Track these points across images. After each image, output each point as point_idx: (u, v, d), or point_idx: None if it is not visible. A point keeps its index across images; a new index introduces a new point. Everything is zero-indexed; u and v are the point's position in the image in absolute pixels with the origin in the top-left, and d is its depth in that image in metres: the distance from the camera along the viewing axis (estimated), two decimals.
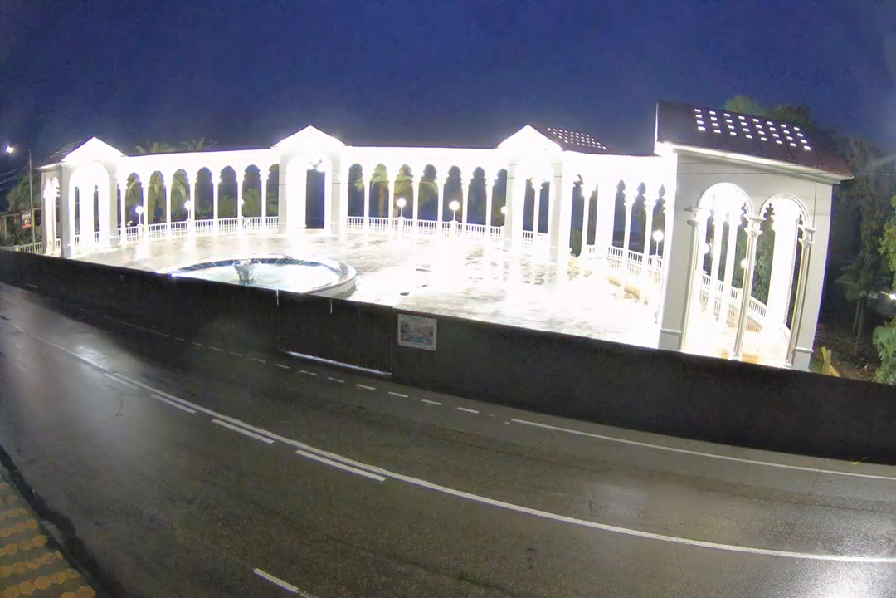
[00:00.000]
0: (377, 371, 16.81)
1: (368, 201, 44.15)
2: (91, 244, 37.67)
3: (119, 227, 39.24)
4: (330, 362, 17.50)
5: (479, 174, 40.04)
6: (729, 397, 13.73)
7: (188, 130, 56.64)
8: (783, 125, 21.33)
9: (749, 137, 20.25)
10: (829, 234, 19.12)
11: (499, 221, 39.99)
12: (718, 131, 20.54)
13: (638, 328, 22.95)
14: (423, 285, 27.55)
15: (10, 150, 44.17)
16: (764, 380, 13.90)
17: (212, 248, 37.20)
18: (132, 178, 40.91)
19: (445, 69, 74.70)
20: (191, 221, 41.82)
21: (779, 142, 19.91)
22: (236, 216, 43.20)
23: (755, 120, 21.75)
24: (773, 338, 22.51)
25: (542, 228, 37.38)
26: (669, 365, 14.66)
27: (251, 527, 9.48)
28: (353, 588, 8.19)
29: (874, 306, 37.97)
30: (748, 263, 20.80)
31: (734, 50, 56.90)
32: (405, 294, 25.55)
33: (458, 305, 24.87)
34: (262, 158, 42.31)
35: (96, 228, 38.56)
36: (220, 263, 30.81)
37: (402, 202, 42.91)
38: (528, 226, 39.24)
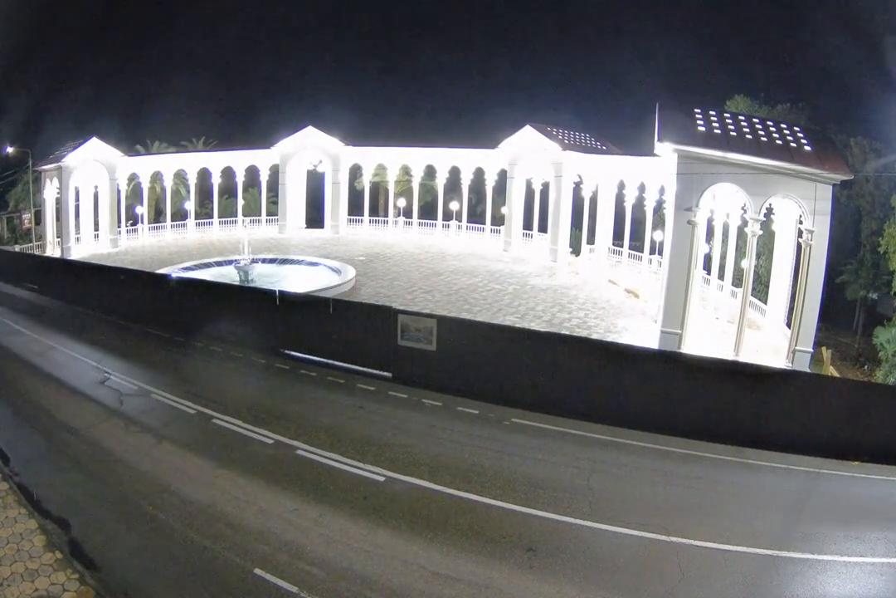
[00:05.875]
0: (377, 371, 16.80)
1: (368, 201, 44.14)
2: (91, 244, 37.67)
3: (119, 227, 39.23)
4: (330, 362, 17.50)
5: (479, 174, 40.01)
6: (729, 397, 13.72)
7: (188, 130, 56.46)
8: (783, 125, 21.36)
9: (749, 137, 20.26)
10: (829, 234, 19.13)
11: (499, 221, 39.98)
12: (718, 131, 20.55)
13: (638, 328, 22.96)
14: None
15: (10, 150, 44.14)
16: (764, 380, 13.89)
17: (211, 247, 37.18)
18: (132, 178, 40.90)
19: (445, 69, 74.61)
20: (191, 221, 41.82)
21: (779, 142, 19.92)
22: (236, 216, 43.20)
23: (755, 120, 21.78)
24: (773, 338, 22.52)
25: (542, 229, 37.36)
26: (669, 365, 14.65)
27: (251, 527, 9.48)
28: (353, 588, 8.19)
29: (875, 306, 37.96)
30: (748, 263, 20.81)
31: (734, 50, 56.81)
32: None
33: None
34: (262, 158, 42.29)
35: (96, 228, 38.53)
36: (219, 263, 30.82)
37: (402, 202, 42.91)
38: (528, 226, 39.23)
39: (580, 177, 34.43)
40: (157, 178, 41.55)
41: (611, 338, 21.26)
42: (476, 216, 43.78)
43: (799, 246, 20.70)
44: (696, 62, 56.15)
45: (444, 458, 12.02)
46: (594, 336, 21.33)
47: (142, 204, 41.25)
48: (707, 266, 28.69)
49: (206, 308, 20.84)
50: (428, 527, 9.62)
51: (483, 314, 23.65)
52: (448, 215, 40.95)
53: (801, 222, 19.77)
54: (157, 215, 49.06)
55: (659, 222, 29.68)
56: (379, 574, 8.47)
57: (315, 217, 44.69)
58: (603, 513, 10.19)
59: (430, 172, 42.09)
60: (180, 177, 42.86)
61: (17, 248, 39.47)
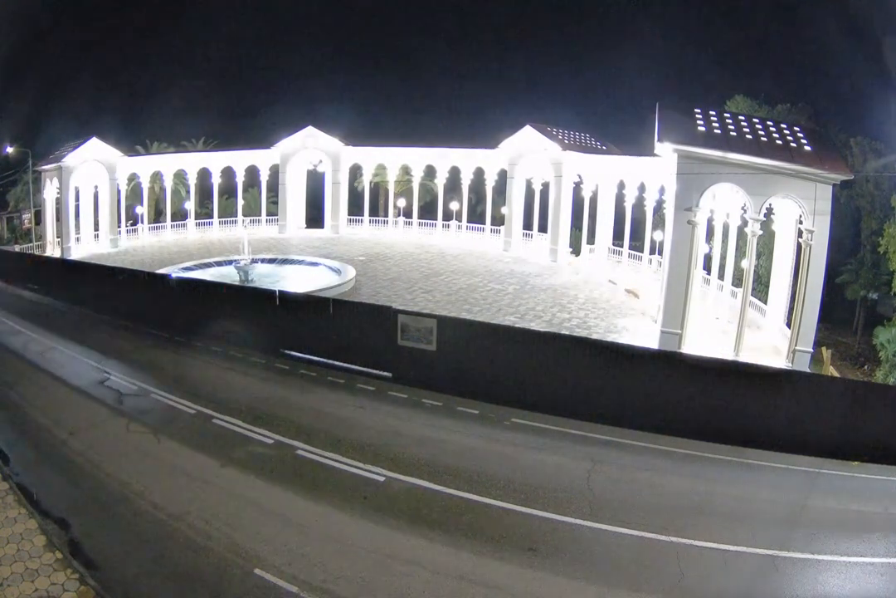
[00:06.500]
0: (377, 371, 16.79)
1: (368, 201, 44.15)
2: (91, 244, 37.66)
3: (119, 227, 39.23)
4: (330, 362, 17.49)
5: (479, 174, 40.01)
6: (729, 397, 13.72)
7: (188, 130, 56.39)
8: (783, 125, 21.36)
9: (749, 137, 20.27)
10: (829, 234, 19.13)
11: (499, 221, 39.99)
12: (718, 131, 20.56)
13: (638, 328, 22.96)
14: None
15: (10, 150, 44.10)
16: (764, 380, 13.90)
17: (211, 247, 37.19)
18: (132, 178, 40.89)
19: (446, 68, 74.64)
20: (191, 221, 41.82)
21: (779, 142, 19.93)
22: (236, 216, 43.20)
23: (755, 120, 21.79)
24: (773, 338, 22.51)
25: (542, 228, 37.36)
26: (669, 365, 14.65)
27: (251, 526, 9.48)
28: (353, 588, 8.19)
29: (875, 306, 37.94)
30: (748, 263, 20.81)
31: (734, 50, 56.81)
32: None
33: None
34: (262, 158, 42.28)
35: (96, 228, 38.52)
36: (220, 263, 30.82)
37: (402, 202, 42.91)
38: (528, 226, 39.24)
39: (580, 177, 34.45)
40: (157, 178, 41.54)
41: (611, 338, 21.25)
42: (476, 216, 43.77)
43: (799, 246, 20.69)
44: (696, 62, 56.11)
45: (445, 458, 12.02)
46: (594, 336, 21.32)
47: (142, 204, 41.25)
48: (707, 266, 28.70)
49: (206, 308, 20.84)
50: (428, 527, 9.62)
51: (483, 314, 23.65)
52: (448, 215, 40.95)
53: (801, 222, 19.76)
54: (157, 215, 49.05)
55: (659, 222, 29.69)
56: (379, 574, 8.48)
57: (315, 217, 44.67)
58: (603, 513, 10.20)
59: (430, 172, 42.07)
60: (180, 177, 42.84)
61: (17, 248, 39.48)
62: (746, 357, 19.41)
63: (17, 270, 30.70)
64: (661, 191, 27.54)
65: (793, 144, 19.77)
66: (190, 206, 41.83)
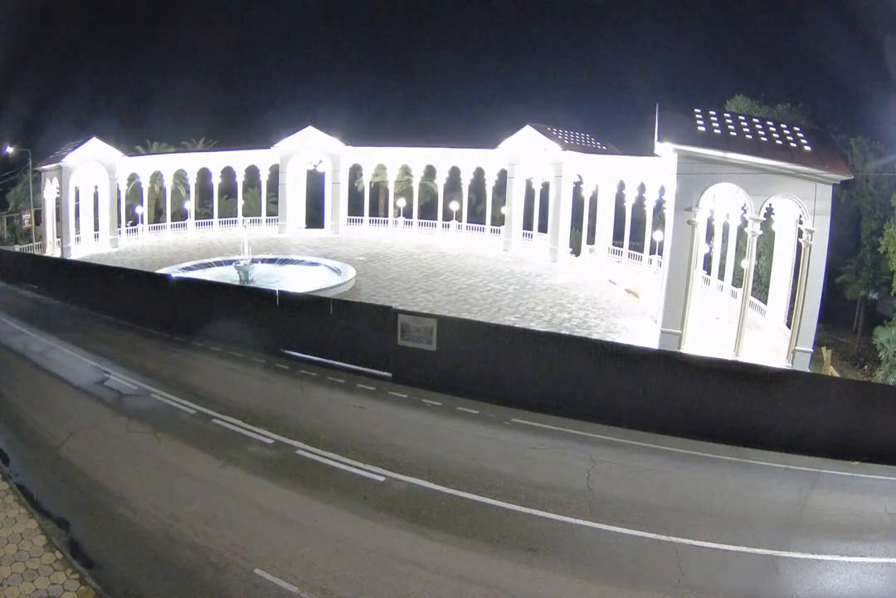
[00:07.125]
0: (377, 371, 16.79)
1: (368, 201, 44.14)
2: (91, 244, 37.65)
3: (119, 227, 39.22)
4: (330, 362, 17.49)
5: (479, 174, 40.02)
6: (729, 397, 13.72)
7: (188, 130, 56.43)
8: (783, 125, 21.37)
9: (749, 137, 20.27)
10: (829, 234, 19.13)
11: (499, 221, 40.00)
12: (718, 131, 20.56)
13: (638, 328, 22.96)
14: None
15: (10, 150, 44.10)
16: (764, 380, 13.89)
17: (211, 247, 37.18)
18: (132, 178, 40.90)
19: (445, 68, 74.69)
20: (191, 221, 41.82)
21: (779, 142, 19.93)
22: (236, 216, 43.19)
23: (755, 120, 21.80)
24: (773, 338, 22.51)
25: (542, 228, 37.38)
26: (669, 365, 14.64)
27: (251, 527, 9.48)
28: (353, 588, 8.19)
29: (875, 306, 37.93)
30: (748, 263, 20.81)
31: (734, 50, 56.86)
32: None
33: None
34: (262, 158, 42.28)
35: (96, 228, 38.51)
36: (220, 263, 30.82)
37: (402, 202, 42.91)
38: (528, 226, 39.25)
39: (580, 177, 34.45)
40: (156, 178, 41.54)
41: (611, 338, 21.25)
42: (476, 216, 43.77)
43: (799, 246, 20.70)
44: (696, 62, 56.17)
45: (444, 458, 12.02)
46: (594, 336, 21.33)
47: (142, 204, 41.24)
48: (707, 266, 28.72)
49: (206, 308, 20.83)
50: (428, 527, 9.62)
51: (483, 314, 23.65)
52: (448, 215, 40.94)
53: (801, 222, 19.77)
54: (157, 215, 49.05)
55: (659, 222, 29.70)
56: (379, 574, 8.48)
57: (315, 217, 44.68)
58: (603, 513, 10.19)
59: (430, 172, 42.07)
60: (180, 177, 42.84)
61: (17, 248, 39.45)
62: (746, 357, 19.41)
63: (17, 270, 30.68)
64: (661, 191, 27.55)
65: (793, 144, 19.77)
66: (190, 206, 41.82)
